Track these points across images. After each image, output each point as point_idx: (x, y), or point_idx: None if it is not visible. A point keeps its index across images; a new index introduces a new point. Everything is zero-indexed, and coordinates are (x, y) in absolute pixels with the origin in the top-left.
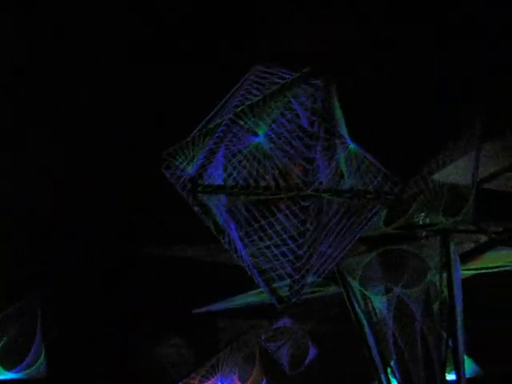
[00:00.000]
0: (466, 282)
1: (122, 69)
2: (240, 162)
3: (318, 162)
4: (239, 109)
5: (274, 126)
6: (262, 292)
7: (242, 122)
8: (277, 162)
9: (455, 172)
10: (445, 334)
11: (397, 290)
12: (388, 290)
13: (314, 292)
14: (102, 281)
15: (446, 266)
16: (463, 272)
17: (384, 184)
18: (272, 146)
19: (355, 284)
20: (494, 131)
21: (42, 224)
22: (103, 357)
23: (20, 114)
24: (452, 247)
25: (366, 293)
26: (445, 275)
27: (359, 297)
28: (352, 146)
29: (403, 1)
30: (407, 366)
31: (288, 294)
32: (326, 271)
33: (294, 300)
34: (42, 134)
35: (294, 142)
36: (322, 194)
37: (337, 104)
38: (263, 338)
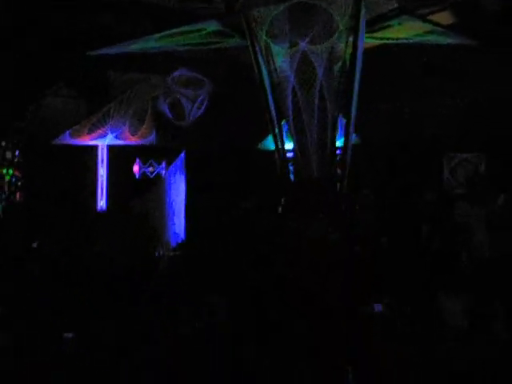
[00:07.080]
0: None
1: None
2: None
3: None
4: None
5: None
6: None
7: None
8: None
9: None
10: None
11: (302, 44)
12: (293, 44)
13: (217, 42)
14: None
15: (354, 28)
16: (367, 40)
17: None
18: None
19: (262, 36)
20: None
21: None
22: None
23: None
24: (363, 11)
25: (272, 47)
26: (350, 38)
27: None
28: None
29: None
30: (303, 127)
31: None
32: None
33: None
34: None
35: None
36: None
37: None
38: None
